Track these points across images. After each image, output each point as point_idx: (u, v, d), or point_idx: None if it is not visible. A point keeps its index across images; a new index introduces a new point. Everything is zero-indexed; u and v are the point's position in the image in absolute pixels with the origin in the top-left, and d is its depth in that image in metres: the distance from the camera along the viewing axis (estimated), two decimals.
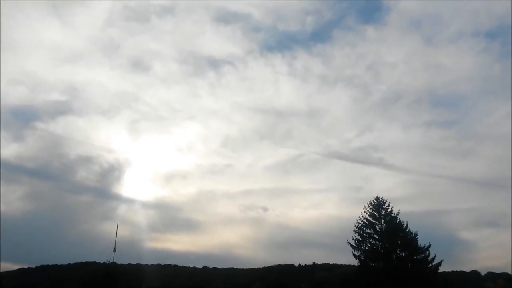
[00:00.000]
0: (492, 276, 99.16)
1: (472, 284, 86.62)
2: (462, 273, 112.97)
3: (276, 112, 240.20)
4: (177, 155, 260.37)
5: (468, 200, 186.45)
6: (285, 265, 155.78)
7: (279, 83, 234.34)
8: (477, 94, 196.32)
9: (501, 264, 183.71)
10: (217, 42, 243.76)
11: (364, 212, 41.51)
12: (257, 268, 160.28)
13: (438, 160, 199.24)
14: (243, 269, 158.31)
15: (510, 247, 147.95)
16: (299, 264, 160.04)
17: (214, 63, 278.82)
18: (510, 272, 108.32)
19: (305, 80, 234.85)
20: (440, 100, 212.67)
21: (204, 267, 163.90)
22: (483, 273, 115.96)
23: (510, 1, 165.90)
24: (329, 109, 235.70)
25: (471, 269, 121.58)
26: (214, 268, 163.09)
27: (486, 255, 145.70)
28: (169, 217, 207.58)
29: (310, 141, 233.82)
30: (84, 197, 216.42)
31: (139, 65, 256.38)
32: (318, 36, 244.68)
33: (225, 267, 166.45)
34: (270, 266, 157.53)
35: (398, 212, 40.63)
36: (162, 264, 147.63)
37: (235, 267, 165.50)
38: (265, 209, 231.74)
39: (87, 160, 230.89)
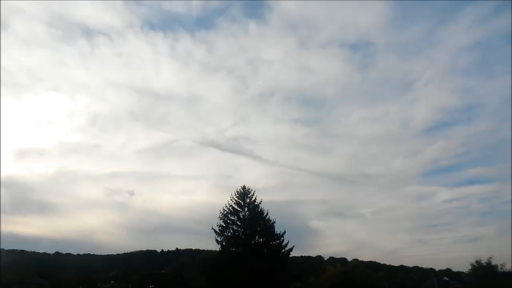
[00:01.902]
0: (333, 261, 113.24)
1: (316, 267, 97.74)
2: (309, 257, 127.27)
3: (153, 94, 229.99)
4: (35, 129, 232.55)
5: (321, 192, 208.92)
6: (148, 251, 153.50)
7: (159, 64, 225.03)
8: (338, 98, 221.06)
9: (342, 250, 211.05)
10: (93, 9, 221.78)
11: (231, 200, 43.65)
12: (117, 254, 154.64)
13: (301, 155, 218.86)
14: (101, 255, 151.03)
15: (351, 235, 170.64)
16: (162, 250, 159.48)
17: (88, 32, 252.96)
18: (347, 258, 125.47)
19: (187, 64, 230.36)
20: (307, 100, 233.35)
21: (57, 253, 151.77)
22: (326, 258, 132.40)
23: (369, 20, 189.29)
24: (208, 97, 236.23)
25: (317, 254, 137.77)
26: (68, 254, 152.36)
27: (331, 242, 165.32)
28: (19, 197, 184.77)
29: (186, 127, 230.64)
30: None
31: None
32: (203, 22, 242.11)
33: (81, 253, 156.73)
34: (131, 252, 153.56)
35: (261, 201, 43.69)
36: (6, 249, 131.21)
37: (92, 253, 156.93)
38: (132, 194, 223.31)
39: None
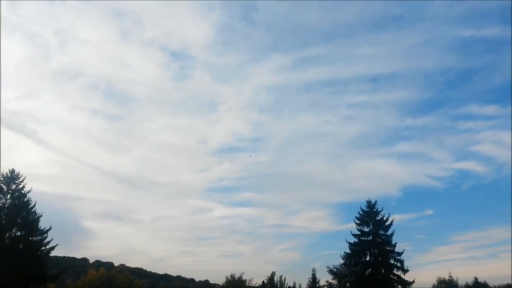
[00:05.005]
0: (98, 264, 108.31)
1: (79, 270, 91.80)
2: (73, 259, 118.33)
3: None
4: None
5: (103, 192, 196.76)
6: None
7: None
8: (146, 101, 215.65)
9: (112, 254, 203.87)
10: None
11: None
12: None
13: (92, 149, 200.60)
14: None
15: (125, 240, 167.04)
16: None
17: None
18: (114, 262, 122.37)
19: None
20: (114, 94, 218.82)
21: None
22: (92, 261, 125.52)
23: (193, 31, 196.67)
24: None
25: (83, 256, 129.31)
26: None
27: (102, 244, 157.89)
28: None
29: None
30: None
31: None
32: None
33: None
34: None
35: (30, 190, 39.03)
36: None
37: None
38: None
39: None
